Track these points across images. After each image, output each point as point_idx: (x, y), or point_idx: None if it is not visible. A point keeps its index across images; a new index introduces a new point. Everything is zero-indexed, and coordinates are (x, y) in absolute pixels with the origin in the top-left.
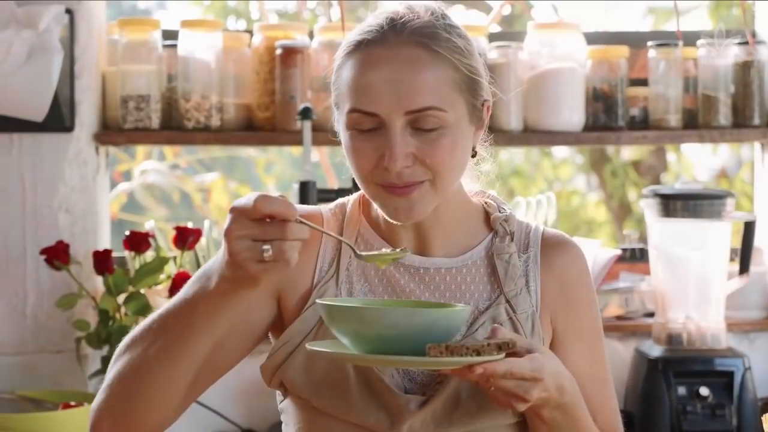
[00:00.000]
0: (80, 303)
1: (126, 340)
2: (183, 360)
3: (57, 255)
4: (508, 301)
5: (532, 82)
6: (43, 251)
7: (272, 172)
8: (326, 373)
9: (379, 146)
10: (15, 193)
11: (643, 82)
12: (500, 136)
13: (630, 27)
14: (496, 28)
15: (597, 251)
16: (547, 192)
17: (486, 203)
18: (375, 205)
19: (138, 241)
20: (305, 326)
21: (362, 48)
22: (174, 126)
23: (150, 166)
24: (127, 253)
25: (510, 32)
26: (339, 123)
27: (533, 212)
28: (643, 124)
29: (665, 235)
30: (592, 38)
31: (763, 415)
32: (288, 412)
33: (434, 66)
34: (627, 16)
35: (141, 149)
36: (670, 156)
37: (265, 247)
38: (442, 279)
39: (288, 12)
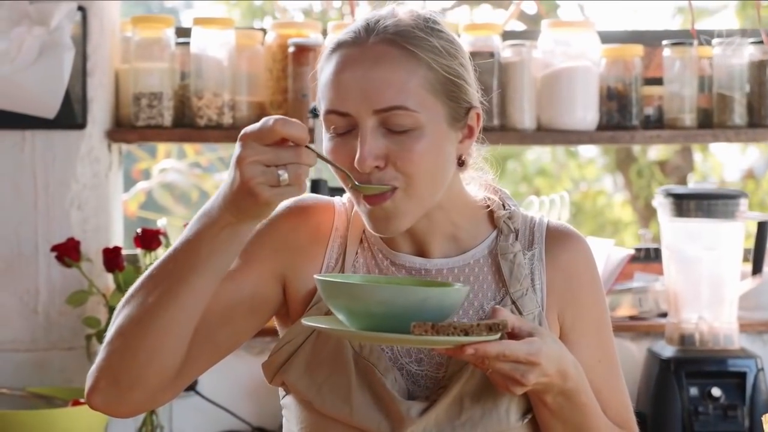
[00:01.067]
0: (91, 300)
1: (127, 293)
2: (187, 301)
3: (68, 252)
4: (513, 303)
5: (545, 80)
6: (54, 248)
7: None
8: (328, 377)
9: (353, 148)
10: (27, 190)
11: (658, 81)
12: (513, 134)
13: (650, 27)
14: (521, 27)
15: (610, 251)
16: (561, 192)
17: (489, 199)
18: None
19: (149, 239)
20: (306, 328)
21: (338, 50)
22: (186, 123)
23: (169, 164)
24: (139, 251)
25: (524, 31)
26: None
27: (546, 211)
28: (657, 123)
29: (678, 235)
30: (607, 37)
31: (764, 415)
32: (290, 410)
33: (405, 63)
34: (656, 16)
35: (161, 148)
36: (697, 156)
37: (281, 171)
38: (444, 279)
39: (314, 13)
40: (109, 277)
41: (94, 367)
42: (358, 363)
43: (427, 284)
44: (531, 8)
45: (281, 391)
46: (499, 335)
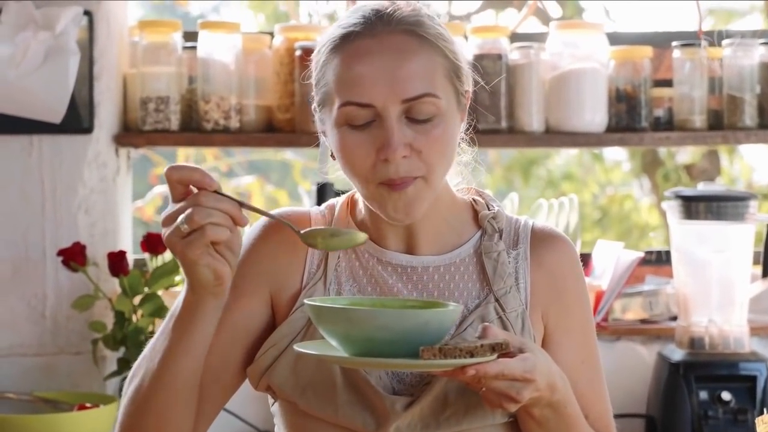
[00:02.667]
0: (98, 305)
1: (131, 370)
2: (176, 385)
3: (73, 256)
4: (497, 300)
5: (553, 82)
6: (60, 252)
7: (310, 176)
8: (313, 376)
9: (376, 140)
10: (34, 195)
11: (668, 83)
12: (521, 137)
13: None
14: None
15: (620, 253)
16: (570, 194)
17: (474, 200)
18: (366, 207)
19: (155, 243)
20: (293, 329)
21: (349, 41)
22: (193, 127)
23: None
24: (147, 255)
25: (532, 33)
26: (326, 122)
27: (555, 215)
28: (668, 125)
29: (688, 238)
30: (616, 38)
31: (758, 417)
32: (278, 416)
33: (425, 52)
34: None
35: (181, 153)
36: (725, 159)
37: (180, 218)
38: (430, 278)
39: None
40: (117, 282)
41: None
42: None
43: (421, 305)
44: (556, 11)
45: (270, 399)
46: (497, 354)
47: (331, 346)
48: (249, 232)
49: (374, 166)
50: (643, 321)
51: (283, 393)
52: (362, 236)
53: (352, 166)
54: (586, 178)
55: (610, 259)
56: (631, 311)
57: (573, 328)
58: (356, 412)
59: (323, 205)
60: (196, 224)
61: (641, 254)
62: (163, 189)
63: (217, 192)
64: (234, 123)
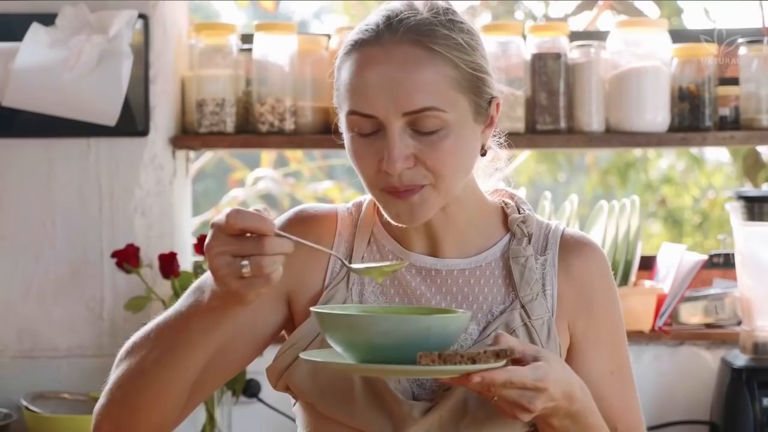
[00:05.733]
0: (153, 306)
1: (127, 344)
2: (179, 371)
3: (127, 258)
4: (523, 307)
5: (614, 81)
6: (114, 254)
7: None
8: (331, 379)
9: (380, 149)
10: (92, 197)
11: (735, 81)
12: (580, 137)
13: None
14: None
15: (683, 256)
16: (632, 196)
17: (504, 203)
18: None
19: None
20: (312, 329)
21: (358, 48)
22: (249, 130)
23: (263, 173)
24: (201, 258)
25: (592, 32)
26: (342, 125)
27: (616, 217)
28: (734, 124)
29: (752, 240)
30: (679, 36)
31: None
32: (298, 416)
33: (431, 65)
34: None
35: (265, 157)
36: None
37: (244, 263)
38: (454, 281)
39: None
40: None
41: (97, 409)
42: None
43: (430, 311)
44: (653, 11)
45: (291, 399)
46: (504, 362)
47: (338, 353)
48: (281, 217)
49: (378, 173)
50: (709, 325)
51: (302, 394)
52: (405, 263)
53: (359, 170)
54: (687, 181)
55: (673, 261)
56: (696, 315)
57: (601, 339)
58: (373, 417)
59: (351, 203)
60: (263, 274)
61: (705, 257)
62: (239, 192)
63: (279, 234)
64: (289, 125)
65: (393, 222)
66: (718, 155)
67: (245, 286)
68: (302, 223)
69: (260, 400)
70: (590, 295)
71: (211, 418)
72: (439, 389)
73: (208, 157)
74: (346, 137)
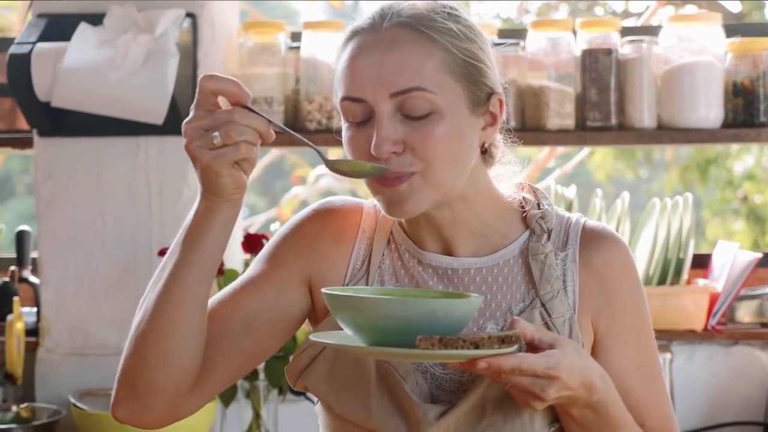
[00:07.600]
0: None
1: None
2: (181, 297)
3: None
4: (543, 305)
5: (666, 77)
6: (161, 252)
7: None
8: (348, 381)
9: (371, 137)
10: (142, 196)
11: None
12: (632, 133)
13: None
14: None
15: (736, 254)
16: (685, 193)
17: (524, 199)
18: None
19: (253, 243)
20: (331, 328)
21: (353, 37)
22: (297, 128)
23: (324, 170)
24: (248, 256)
25: (643, 27)
26: (341, 117)
27: (667, 215)
28: None
29: None
30: (733, 30)
31: None
32: (320, 415)
33: (420, 45)
34: None
35: (331, 154)
36: None
37: (214, 134)
38: (471, 280)
39: None
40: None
41: (117, 377)
42: (379, 367)
43: (444, 295)
44: (735, 7)
45: (315, 399)
46: (515, 348)
47: (349, 337)
48: (301, 211)
49: (369, 162)
50: (764, 325)
51: (319, 395)
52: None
53: (351, 158)
54: None
55: (726, 260)
56: (749, 314)
57: (626, 334)
58: (389, 419)
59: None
60: (232, 141)
61: (759, 255)
62: (301, 190)
63: (249, 108)
64: (337, 123)
65: (385, 213)
66: None
67: (215, 157)
68: (327, 216)
69: (307, 397)
70: (612, 289)
71: (257, 416)
72: (457, 389)
73: (274, 154)
74: (342, 128)
